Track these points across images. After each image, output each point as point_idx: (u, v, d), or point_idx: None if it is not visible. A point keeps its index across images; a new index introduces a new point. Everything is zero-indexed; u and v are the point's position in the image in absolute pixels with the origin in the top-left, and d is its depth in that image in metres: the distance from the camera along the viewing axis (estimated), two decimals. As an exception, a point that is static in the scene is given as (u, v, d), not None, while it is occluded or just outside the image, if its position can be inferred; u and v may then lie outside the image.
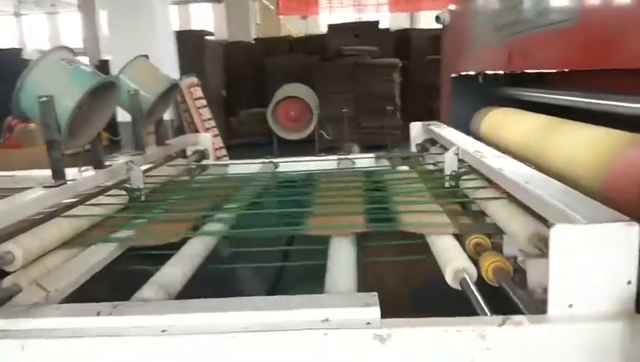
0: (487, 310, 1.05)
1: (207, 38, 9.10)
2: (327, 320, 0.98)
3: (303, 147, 6.67)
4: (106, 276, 1.45)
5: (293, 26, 20.84)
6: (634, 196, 1.24)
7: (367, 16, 17.52)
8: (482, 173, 1.70)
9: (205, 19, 21.74)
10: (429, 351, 0.94)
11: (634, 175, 1.26)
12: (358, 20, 13.67)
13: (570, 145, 1.64)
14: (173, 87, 2.42)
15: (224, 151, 6.38)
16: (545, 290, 1.23)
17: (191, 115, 6.19)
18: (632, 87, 1.52)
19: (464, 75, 2.71)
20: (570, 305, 0.95)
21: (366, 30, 9.76)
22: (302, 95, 3.90)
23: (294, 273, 1.99)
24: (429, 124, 2.82)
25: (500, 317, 0.96)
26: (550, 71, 1.95)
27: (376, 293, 1.04)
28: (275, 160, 2.76)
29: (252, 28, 14.63)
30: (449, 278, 1.29)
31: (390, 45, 9.60)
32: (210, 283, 1.56)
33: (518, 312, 1.02)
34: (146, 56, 2.46)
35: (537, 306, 1.04)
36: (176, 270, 1.38)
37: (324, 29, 18.20)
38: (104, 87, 1.83)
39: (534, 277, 1.25)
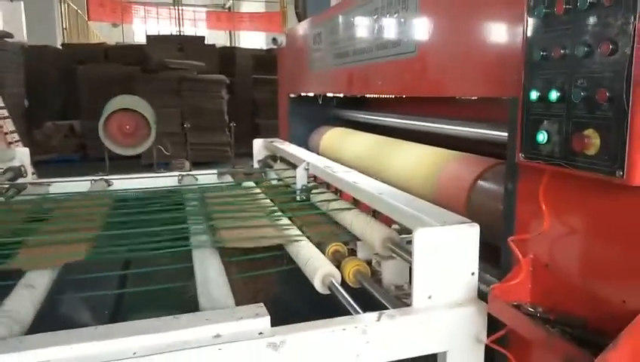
0: (358, 308, 1.17)
1: (5, 39, 7.96)
2: (218, 335, 0.98)
3: (122, 163, 6.24)
4: None
5: (101, 33, 19.41)
6: (460, 202, 1.49)
7: (186, 31, 17.27)
8: (335, 186, 1.85)
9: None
10: (319, 351, 1.01)
11: (459, 184, 1.51)
12: (182, 34, 13.37)
13: (405, 160, 1.89)
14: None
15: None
16: (397, 287, 1.42)
17: (-12, 127, 5.35)
18: (450, 112, 1.83)
19: (302, 96, 2.90)
20: (430, 297, 1.11)
21: (191, 44, 9.60)
22: (138, 107, 3.68)
23: (132, 299, 1.89)
24: (272, 141, 2.93)
25: (376, 313, 1.08)
26: (385, 96, 2.21)
27: (262, 304, 1.08)
28: (107, 177, 2.56)
29: (58, 32, 13.22)
30: (317, 284, 1.39)
31: (215, 62, 9.60)
32: (47, 315, 1.41)
33: (381, 308, 1.16)
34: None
35: (397, 302, 1.19)
36: (23, 303, 1.22)
37: (138, 40, 17.34)
38: None
39: (388, 277, 1.42)
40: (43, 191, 2.37)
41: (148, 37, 10.34)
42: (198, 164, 6.71)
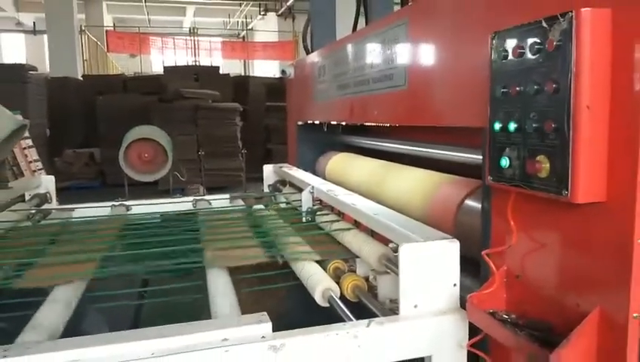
0: (353, 318, 1.30)
1: (30, 72, 8.35)
2: (226, 339, 1.12)
3: (139, 189, 6.47)
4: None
5: (119, 64, 20.01)
6: (449, 221, 1.62)
7: (201, 60, 17.75)
8: (336, 208, 2.00)
9: (17, 51, 19.77)
10: (315, 353, 1.14)
11: (448, 206, 1.65)
12: (197, 64, 13.79)
13: (403, 183, 2.03)
14: (22, 128, 2.31)
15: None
16: (392, 301, 1.54)
17: (14, 156, 5.61)
18: (442, 138, 1.97)
19: (309, 123, 3.07)
20: (416, 306, 1.24)
21: (206, 74, 9.93)
22: (156, 136, 3.88)
23: (151, 313, 2.03)
24: (281, 166, 3.10)
25: (366, 321, 1.21)
26: (384, 124, 2.37)
27: (265, 312, 1.21)
28: (126, 202, 2.72)
29: (79, 63, 13.74)
30: (318, 297, 1.52)
31: (229, 90, 9.90)
32: (73, 328, 1.55)
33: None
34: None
35: (389, 312, 1.32)
36: (53, 313, 1.37)
37: (156, 69, 17.85)
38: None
39: (383, 291, 1.55)
40: (67, 216, 2.55)
41: (165, 68, 10.71)
42: (211, 189, 6.92)
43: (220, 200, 2.92)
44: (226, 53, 19.91)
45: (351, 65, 2.16)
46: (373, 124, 2.19)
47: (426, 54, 1.52)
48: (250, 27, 22.00)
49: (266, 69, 19.21)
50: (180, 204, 2.83)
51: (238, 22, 22.71)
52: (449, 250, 1.25)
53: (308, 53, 3.50)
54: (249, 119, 9.80)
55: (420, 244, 1.24)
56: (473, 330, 1.23)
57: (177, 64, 14.67)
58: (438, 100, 1.47)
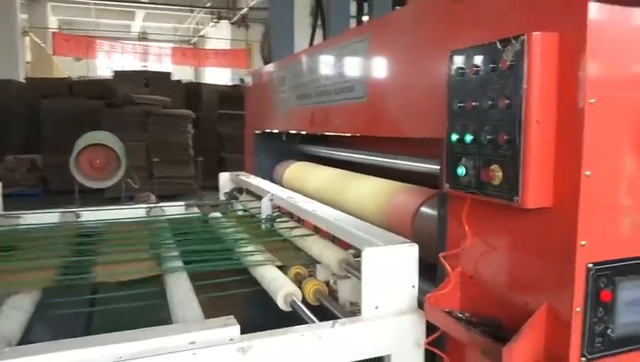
0: (316, 320, 1.34)
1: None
2: (193, 342, 1.13)
3: (86, 197, 6.24)
4: None
5: (64, 67, 19.27)
6: (406, 227, 1.70)
7: (151, 66, 17.38)
8: (296, 215, 2.04)
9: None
10: (281, 354, 1.17)
11: (405, 213, 1.73)
12: (148, 69, 13.51)
13: (361, 191, 2.10)
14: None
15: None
16: (352, 303, 1.59)
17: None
18: (398, 149, 2.06)
19: (267, 132, 3.10)
20: (377, 307, 1.30)
21: (156, 80, 9.75)
22: (108, 142, 3.77)
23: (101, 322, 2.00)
24: (238, 174, 3.11)
25: (330, 322, 1.26)
26: (343, 134, 2.44)
27: (232, 316, 1.24)
28: (77, 209, 2.65)
29: (21, 66, 13.12)
30: (280, 302, 1.56)
31: (181, 97, 9.77)
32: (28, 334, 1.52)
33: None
34: None
35: (350, 315, 1.37)
36: (11, 321, 1.34)
37: (101, 73, 17.30)
38: None
39: (344, 294, 1.60)
40: (13, 223, 2.45)
41: (114, 72, 10.43)
42: (163, 198, 6.77)
43: (174, 208, 2.90)
44: (176, 60, 19.59)
45: (312, 76, 2.22)
46: (332, 133, 2.26)
47: (386, 69, 1.60)
48: (201, 34, 21.77)
49: (218, 76, 19.02)
50: (133, 211, 2.78)
51: (189, 28, 22.42)
52: (408, 254, 1.32)
53: (266, 62, 3.54)
54: (201, 127, 9.68)
55: (382, 248, 1.30)
56: (429, 330, 1.31)
57: (125, 69, 14.32)
58: (397, 112, 1.55)
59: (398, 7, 3.63)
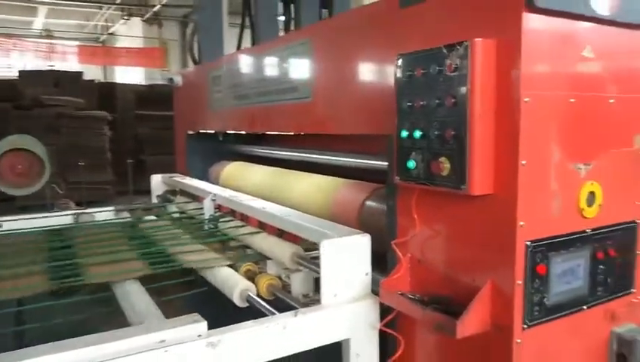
0: (275, 312, 1.39)
1: None
2: (163, 340, 1.15)
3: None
4: None
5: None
6: (352, 219, 1.79)
7: (57, 65, 16.28)
8: (239, 213, 2.07)
9: None
10: (249, 346, 1.22)
11: (351, 206, 1.82)
12: (55, 69, 12.65)
13: (302, 189, 2.17)
14: None
15: None
16: (304, 296, 1.66)
17: None
18: (339, 146, 2.16)
19: (201, 133, 3.08)
20: (335, 295, 1.37)
21: (67, 80, 9.17)
22: (30, 147, 3.51)
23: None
24: (171, 176, 3.06)
25: (293, 312, 1.32)
26: (285, 133, 2.49)
27: (197, 313, 1.26)
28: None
29: None
30: (236, 299, 1.59)
31: (94, 98, 9.27)
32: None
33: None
34: None
35: (305, 306, 1.43)
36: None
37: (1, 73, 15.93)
38: None
39: (297, 287, 1.66)
40: None
41: (20, 72, 9.68)
42: (81, 204, 6.41)
43: (104, 213, 2.80)
44: (84, 58, 18.48)
45: (252, 77, 2.25)
46: (274, 133, 2.31)
47: (332, 71, 1.68)
48: (110, 31, 20.73)
49: (129, 76, 18.20)
50: (59, 219, 2.66)
51: (97, 26, 21.24)
52: (362, 244, 1.42)
53: (195, 62, 3.51)
54: (118, 129, 9.26)
55: (338, 240, 1.38)
56: (382, 314, 1.41)
57: (28, 68, 13.31)
58: (345, 112, 1.63)
59: (325, 10, 3.75)
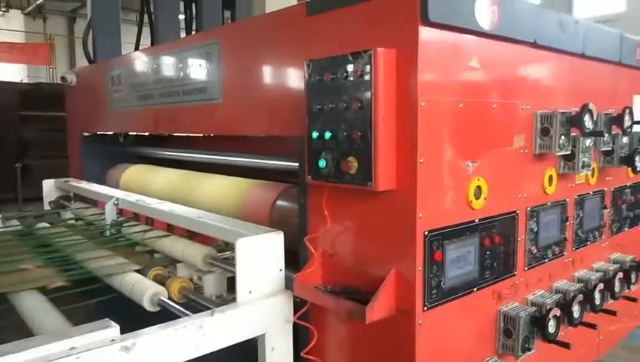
0: (189, 313, 1.40)
1: None
2: (74, 347, 1.11)
3: None
4: None
5: None
6: (264, 218, 1.83)
7: None
8: (151, 216, 2.02)
9: None
10: (165, 347, 1.21)
11: (262, 206, 1.86)
12: None
13: (211, 190, 2.17)
14: None
15: None
16: (217, 296, 1.67)
17: None
18: (247, 148, 2.19)
19: (98, 134, 2.94)
20: (250, 292, 1.41)
21: None
22: None
23: None
24: (66, 181, 2.88)
25: (209, 311, 1.33)
26: (193, 134, 2.46)
27: (108, 318, 1.23)
28: None
29: None
30: (147, 304, 1.56)
31: (-33, 96, 8.36)
32: None
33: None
34: None
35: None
36: None
37: None
38: None
39: (209, 288, 1.67)
40: None
41: None
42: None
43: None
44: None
45: (156, 76, 2.21)
46: (181, 134, 2.28)
47: (243, 73, 1.71)
48: (-15, 24, 18.78)
49: (5, 73, 16.55)
50: None
51: (-32, 16, 19.14)
52: (275, 241, 1.46)
53: (90, 60, 3.33)
54: (-4, 131, 8.43)
55: (253, 238, 1.42)
56: (296, 308, 1.47)
57: None
58: (256, 114, 1.67)
59: (227, 11, 3.75)
